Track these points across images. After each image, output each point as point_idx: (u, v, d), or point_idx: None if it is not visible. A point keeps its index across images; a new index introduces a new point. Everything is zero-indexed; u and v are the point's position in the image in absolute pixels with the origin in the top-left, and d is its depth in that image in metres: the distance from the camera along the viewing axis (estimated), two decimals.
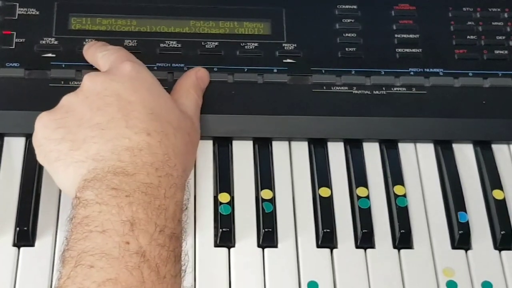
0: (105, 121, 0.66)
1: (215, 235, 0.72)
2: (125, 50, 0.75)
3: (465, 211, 0.74)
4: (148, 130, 0.66)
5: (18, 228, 0.70)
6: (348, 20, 0.83)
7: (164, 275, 0.59)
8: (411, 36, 0.82)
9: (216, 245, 0.71)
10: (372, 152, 0.78)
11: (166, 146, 0.66)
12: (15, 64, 0.77)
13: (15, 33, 0.79)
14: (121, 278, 0.57)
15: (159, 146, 0.66)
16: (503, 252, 0.73)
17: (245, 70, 0.79)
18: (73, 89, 0.76)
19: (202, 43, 0.80)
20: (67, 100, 0.70)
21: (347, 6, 0.83)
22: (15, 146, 0.75)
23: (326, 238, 0.72)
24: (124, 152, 0.64)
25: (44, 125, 0.69)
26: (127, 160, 0.64)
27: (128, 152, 0.64)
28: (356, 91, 0.79)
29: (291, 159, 0.77)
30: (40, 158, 0.69)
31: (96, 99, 0.68)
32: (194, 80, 0.76)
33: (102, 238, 0.59)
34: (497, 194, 0.76)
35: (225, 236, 0.71)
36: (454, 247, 0.73)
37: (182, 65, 0.79)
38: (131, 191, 0.62)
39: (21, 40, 0.78)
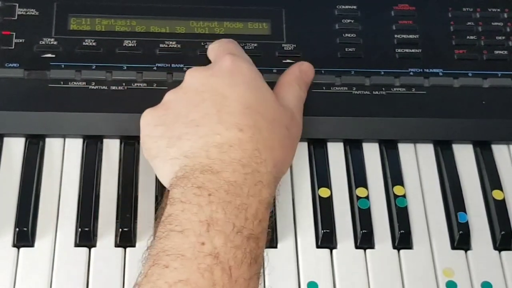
0: (199, 117, 0.67)
1: None
2: (233, 42, 0.76)
3: (465, 212, 0.74)
4: (240, 125, 0.66)
5: (17, 229, 0.70)
6: (348, 20, 0.83)
7: (236, 278, 0.59)
8: (410, 36, 0.82)
9: None
10: (371, 153, 0.78)
11: (257, 140, 0.66)
12: (15, 65, 0.77)
13: (14, 33, 0.79)
14: (192, 280, 0.58)
15: (250, 141, 0.66)
16: (503, 253, 0.73)
17: None
18: (72, 89, 0.76)
19: (202, 44, 0.80)
20: (168, 97, 0.71)
21: (347, 6, 0.83)
22: (15, 146, 0.75)
23: (326, 239, 0.72)
24: (213, 149, 0.65)
25: (147, 122, 0.71)
26: (215, 157, 0.64)
27: (217, 148, 0.65)
28: (355, 92, 0.79)
29: None
30: (145, 155, 0.71)
31: (194, 95, 0.69)
32: (297, 74, 0.76)
33: (180, 238, 0.60)
34: (497, 194, 0.76)
35: None
36: (454, 247, 0.73)
37: (181, 65, 0.79)
38: (214, 189, 0.62)
39: (20, 41, 0.78)
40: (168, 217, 0.62)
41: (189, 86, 0.71)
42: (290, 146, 0.71)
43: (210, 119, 0.67)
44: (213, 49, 0.76)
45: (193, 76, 0.71)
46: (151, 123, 0.70)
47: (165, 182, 0.68)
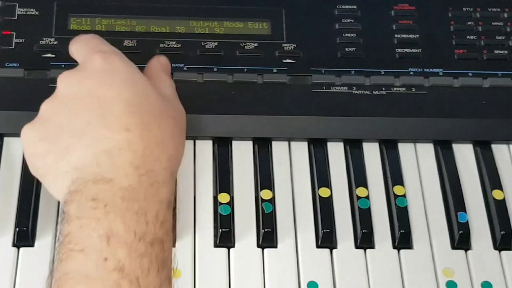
0: (83, 125, 0.64)
1: (215, 236, 0.72)
2: (97, 38, 0.72)
3: (465, 211, 0.74)
4: (127, 125, 0.63)
5: (18, 228, 0.70)
6: (348, 20, 0.83)
7: (145, 287, 0.57)
8: (411, 36, 0.82)
9: (216, 246, 0.71)
10: (372, 152, 0.78)
11: (148, 138, 0.63)
12: (15, 64, 0.77)
13: (14, 33, 0.79)
14: None
15: (139, 141, 0.63)
16: (503, 252, 0.73)
17: (245, 70, 0.79)
18: None
19: (202, 43, 0.80)
20: (45, 108, 0.68)
21: (347, 6, 0.83)
22: (15, 146, 0.75)
23: (326, 238, 0.72)
24: (102, 156, 0.62)
25: (28, 139, 0.67)
26: (105, 164, 0.62)
27: (106, 154, 0.62)
28: (356, 91, 0.79)
29: (291, 159, 0.77)
30: (33, 172, 0.68)
31: (71, 102, 0.66)
32: (159, 66, 0.74)
33: (82, 257, 0.57)
34: (497, 194, 0.76)
35: (224, 236, 0.71)
36: (454, 247, 0.73)
37: (182, 65, 0.79)
38: (109, 199, 0.60)
39: (20, 40, 0.78)
40: (66, 236, 0.59)
41: (65, 93, 0.67)
42: (179, 136, 0.68)
43: (95, 125, 0.63)
44: (78, 49, 0.72)
45: (67, 82, 0.67)
46: (33, 139, 0.66)
47: (60, 199, 0.65)
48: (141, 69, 0.75)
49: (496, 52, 0.82)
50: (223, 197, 0.73)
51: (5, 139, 0.75)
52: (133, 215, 0.59)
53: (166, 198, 0.63)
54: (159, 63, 0.75)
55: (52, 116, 0.66)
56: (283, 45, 0.81)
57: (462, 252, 0.73)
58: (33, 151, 0.66)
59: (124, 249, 0.58)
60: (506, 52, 0.82)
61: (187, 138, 0.75)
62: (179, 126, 0.69)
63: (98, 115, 0.64)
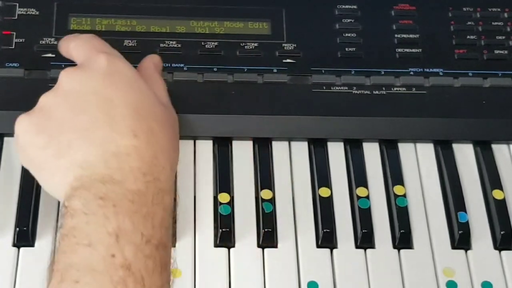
0: (88, 123, 0.64)
1: (215, 235, 0.72)
2: (98, 38, 0.72)
3: (465, 211, 0.74)
4: (135, 131, 0.64)
5: (18, 228, 0.70)
6: (348, 20, 0.83)
7: (149, 287, 0.58)
8: (411, 36, 0.82)
9: (216, 245, 0.71)
10: (372, 152, 0.78)
11: (153, 145, 0.64)
12: (15, 64, 0.77)
13: (15, 33, 0.79)
14: None
15: (146, 148, 0.64)
16: (503, 252, 0.73)
17: (245, 70, 0.79)
18: None
19: (202, 43, 0.80)
20: (45, 101, 0.67)
21: (347, 6, 0.83)
22: (15, 146, 0.75)
23: (326, 238, 0.72)
24: (111, 158, 0.62)
25: (24, 129, 0.66)
26: (114, 167, 0.62)
27: (115, 158, 0.62)
28: (356, 91, 0.79)
29: (291, 159, 0.77)
30: (24, 163, 0.68)
31: (76, 98, 0.66)
32: (153, 67, 0.74)
33: (89, 251, 0.58)
34: (497, 194, 0.76)
35: (225, 236, 0.71)
36: (454, 247, 0.73)
37: (182, 65, 0.79)
38: (118, 200, 0.60)
39: (20, 40, 0.78)
40: (71, 230, 0.59)
41: (69, 89, 0.66)
42: (176, 145, 0.69)
43: (101, 125, 0.64)
44: (78, 47, 0.71)
45: (71, 78, 0.67)
46: (30, 131, 0.66)
47: (54, 193, 0.65)
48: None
49: (496, 52, 0.82)
50: (223, 197, 0.73)
51: (5, 139, 0.75)
52: (141, 218, 0.60)
53: (169, 206, 0.64)
54: (153, 63, 0.74)
55: (52, 110, 0.66)
56: (283, 45, 0.81)
57: (462, 252, 0.73)
58: (29, 141, 0.66)
59: (131, 248, 0.58)
60: (506, 52, 0.82)
61: (187, 138, 0.75)
62: (176, 135, 0.70)
63: (104, 115, 0.64)
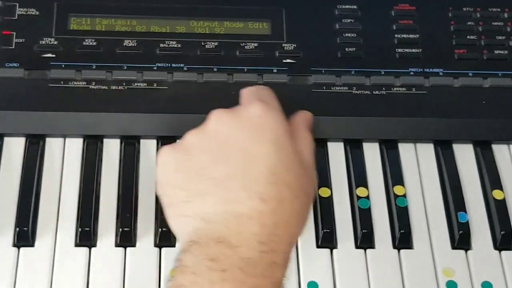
0: (223, 177, 0.63)
1: None
2: (269, 90, 0.72)
3: (465, 211, 0.74)
4: (263, 195, 0.62)
5: (18, 228, 0.70)
6: (348, 20, 0.83)
7: None
8: (411, 36, 0.82)
9: None
10: (372, 152, 0.78)
11: (279, 215, 0.62)
12: (15, 64, 0.77)
13: (15, 33, 0.79)
14: None
15: (271, 216, 0.61)
16: (503, 252, 0.73)
17: (245, 70, 0.79)
18: (72, 89, 0.76)
19: (202, 43, 0.80)
20: (190, 140, 0.67)
21: (347, 6, 0.83)
22: (15, 146, 0.75)
23: (326, 238, 0.72)
24: (232, 219, 0.61)
25: (165, 162, 0.67)
26: (233, 229, 0.61)
27: (237, 219, 0.61)
28: (356, 91, 0.79)
29: None
30: (158, 193, 0.68)
31: (220, 147, 0.65)
32: (304, 122, 0.72)
33: None
34: (497, 194, 0.76)
35: None
36: (454, 247, 0.73)
37: (182, 65, 0.79)
38: (228, 265, 0.59)
39: (21, 40, 0.78)
40: (179, 287, 0.59)
41: (215, 134, 0.66)
42: (306, 215, 0.66)
43: (234, 182, 0.63)
44: (247, 92, 0.73)
45: (220, 122, 0.67)
46: (170, 165, 0.67)
47: (175, 233, 0.66)
48: (142, 68, 0.75)
49: (496, 52, 0.82)
50: None
51: (5, 139, 0.75)
52: None
53: (279, 280, 0.62)
54: (304, 119, 0.73)
55: (195, 152, 0.66)
56: (283, 45, 0.81)
57: (462, 252, 0.73)
58: (166, 176, 0.67)
59: None
60: (506, 52, 0.82)
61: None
62: (309, 203, 0.67)
63: (240, 172, 0.63)
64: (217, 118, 0.67)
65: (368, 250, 0.72)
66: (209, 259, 0.59)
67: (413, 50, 0.82)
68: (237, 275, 0.59)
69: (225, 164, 0.64)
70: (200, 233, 0.61)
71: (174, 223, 0.65)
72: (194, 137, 0.67)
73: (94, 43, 0.79)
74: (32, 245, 0.70)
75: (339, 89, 0.79)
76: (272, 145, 0.65)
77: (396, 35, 0.82)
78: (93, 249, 0.70)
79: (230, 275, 0.59)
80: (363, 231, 0.72)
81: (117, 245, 0.71)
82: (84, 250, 0.70)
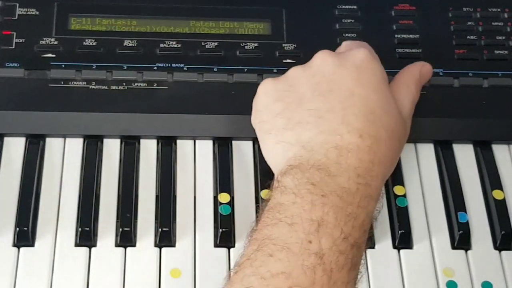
0: (323, 109, 0.66)
1: (215, 235, 0.72)
2: (368, 46, 0.74)
3: (465, 211, 0.74)
4: (361, 132, 0.65)
5: (18, 228, 0.70)
6: (348, 20, 0.83)
7: (335, 280, 0.59)
8: (411, 36, 0.82)
9: (216, 245, 0.71)
10: None
11: (374, 152, 0.65)
12: (15, 64, 0.77)
13: (15, 33, 0.79)
14: (294, 274, 0.58)
15: (367, 152, 0.65)
16: (503, 252, 0.73)
17: (245, 71, 0.79)
18: (73, 89, 0.76)
19: (202, 43, 0.80)
20: (294, 72, 0.70)
21: (347, 6, 0.84)
22: (15, 146, 0.75)
23: None
24: (332, 150, 0.64)
25: (266, 92, 0.70)
26: (333, 159, 0.64)
27: (336, 150, 0.64)
28: None
29: None
30: (254, 122, 0.71)
31: (321, 81, 0.68)
32: (417, 76, 0.75)
33: (288, 230, 0.60)
34: (497, 194, 0.76)
35: (225, 236, 0.71)
36: (454, 247, 0.73)
37: (182, 65, 0.79)
38: (327, 191, 0.62)
39: (21, 40, 0.78)
40: (277, 205, 0.62)
41: (318, 70, 0.70)
42: (396, 158, 0.71)
43: (334, 115, 0.66)
44: (348, 43, 0.75)
45: (324, 60, 0.70)
46: (270, 95, 0.70)
47: (270, 161, 0.69)
48: (142, 68, 0.75)
49: (496, 52, 0.82)
50: (223, 197, 0.73)
51: (5, 139, 0.75)
52: (344, 216, 0.62)
53: (372, 212, 0.65)
54: (419, 73, 0.75)
55: (298, 84, 0.69)
56: (283, 45, 0.81)
57: (462, 252, 0.73)
58: (267, 104, 0.69)
59: (329, 240, 0.60)
60: (506, 52, 0.82)
61: (187, 138, 0.75)
62: (400, 148, 0.71)
63: (340, 106, 0.66)
64: (323, 57, 0.70)
65: (368, 250, 0.72)
66: (310, 183, 0.62)
67: (413, 50, 0.82)
68: (336, 201, 0.62)
69: (326, 97, 0.67)
70: (301, 159, 0.65)
71: (273, 149, 0.68)
72: (298, 71, 0.71)
73: (94, 43, 0.79)
74: (32, 245, 0.70)
75: None
76: (373, 87, 0.68)
77: (396, 35, 0.82)
78: (93, 249, 0.70)
79: (330, 200, 0.62)
80: None
81: (117, 245, 0.71)
82: (84, 250, 0.70)
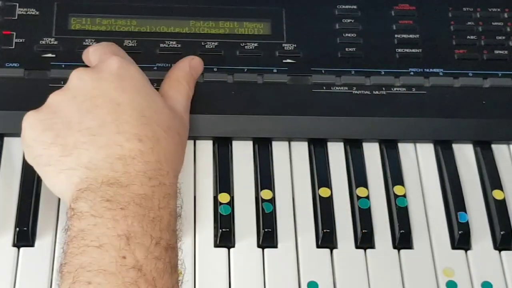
0: (95, 126, 0.65)
1: (215, 236, 0.72)
2: (115, 45, 0.74)
3: (465, 211, 0.74)
4: (140, 136, 0.65)
5: (18, 228, 0.70)
6: (348, 20, 0.83)
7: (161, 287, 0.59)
8: (411, 36, 0.82)
9: (216, 246, 0.71)
10: (372, 152, 0.78)
11: (158, 152, 0.65)
12: (15, 64, 0.77)
13: (15, 33, 0.79)
14: None
15: (151, 153, 0.64)
16: (503, 252, 0.73)
17: (245, 70, 0.79)
18: None
19: (202, 43, 0.80)
20: (54, 98, 0.68)
21: (347, 6, 0.83)
22: (15, 146, 0.75)
23: (326, 238, 0.72)
24: (117, 161, 0.63)
25: (31, 125, 0.67)
26: (120, 170, 0.63)
27: (121, 161, 0.63)
28: (356, 91, 0.79)
29: (291, 159, 0.77)
30: (29, 160, 0.68)
31: (85, 100, 0.67)
32: (187, 71, 0.75)
33: (99, 253, 0.59)
34: (497, 194, 0.76)
35: (225, 236, 0.71)
36: (454, 247, 0.73)
37: None
38: (125, 203, 0.61)
39: (21, 40, 0.78)
40: (80, 232, 0.60)
41: (78, 89, 0.68)
42: (181, 153, 0.70)
43: (108, 128, 0.65)
44: (96, 51, 0.73)
45: (81, 78, 0.68)
46: (37, 127, 0.66)
47: (58, 192, 0.66)
48: (142, 68, 0.75)
49: (496, 52, 0.82)
50: (223, 197, 0.73)
51: (5, 139, 0.75)
52: (149, 222, 0.61)
53: (175, 210, 0.65)
54: (189, 66, 0.75)
55: (61, 109, 0.67)
56: (283, 45, 0.81)
57: (462, 252, 0.73)
58: (36, 137, 0.67)
59: (142, 250, 0.59)
60: (506, 52, 0.82)
61: (188, 138, 0.75)
62: (182, 142, 0.70)
63: (110, 118, 0.65)
64: (79, 76, 0.69)
65: (368, 250, 0.72)
66: (105, 200, 0.61)
67: (413, 50, 0.82)
68: (137, 210, 0.61)
69: (94, 113, 0.66)
70: (88, 180, 0.63)
71: (57, 180, 0.65)
72: (57, 96, 0.68)
73: (94, 43, 0.79)
74: (32, 245, 0.70)
75: (339, 89, 0.79)
76: (136, 91, 0.68)
77: (396, 35, 0.82)
78: None
79: (130, 211, 0.61)
80: (363, 231, 0.72)
81: None
82: None
